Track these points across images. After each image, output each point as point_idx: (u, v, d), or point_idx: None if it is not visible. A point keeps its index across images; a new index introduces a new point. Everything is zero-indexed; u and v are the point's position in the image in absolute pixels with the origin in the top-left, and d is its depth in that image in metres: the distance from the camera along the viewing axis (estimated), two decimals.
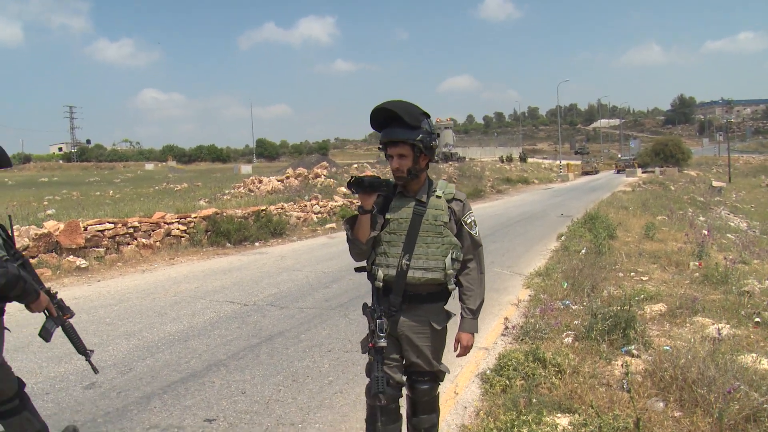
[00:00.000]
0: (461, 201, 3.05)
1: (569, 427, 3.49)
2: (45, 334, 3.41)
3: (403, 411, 3.24)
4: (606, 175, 67.50)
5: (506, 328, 6.27)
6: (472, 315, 3.09)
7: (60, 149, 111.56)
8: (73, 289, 9.32)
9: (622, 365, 4.42)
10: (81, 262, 11.01)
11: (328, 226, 17.72)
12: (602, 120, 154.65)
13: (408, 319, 2.99)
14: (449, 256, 2.95)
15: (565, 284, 7.97)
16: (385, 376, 2.88)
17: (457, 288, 3.09)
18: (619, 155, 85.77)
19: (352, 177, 2.90)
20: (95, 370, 3.79)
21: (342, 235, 15.26)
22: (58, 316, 3.51)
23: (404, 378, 3.14)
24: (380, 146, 3.02)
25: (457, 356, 3.22)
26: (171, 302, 8.12)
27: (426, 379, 3.10)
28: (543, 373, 4.47)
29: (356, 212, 2.97)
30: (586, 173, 70.47)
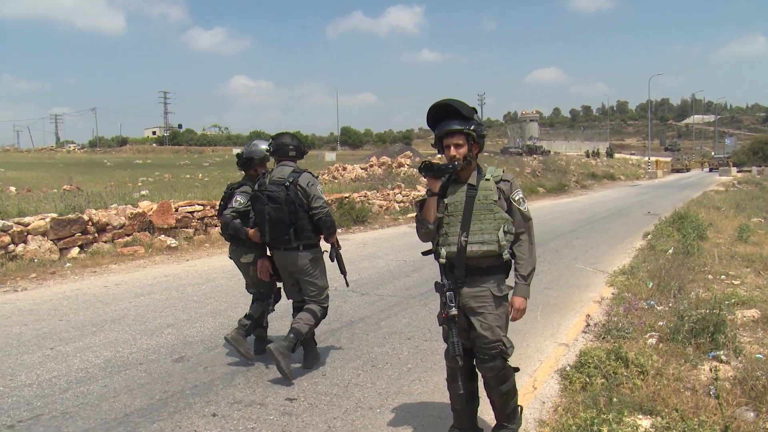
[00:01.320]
0: (509, 181, 3.45)
1: (651, 429, 3.43)
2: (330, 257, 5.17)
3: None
4: (697, 173, 64.69)
5: (587, 325, 6.18)
6: (523, 281, 3.41)
7: (154, 133, 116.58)
8: (163, 267, 9.81)
9: (710, 370, 4.29)
10: (171, 241, 11.54)
11: (410, 215, 17.84)
12: (696, 116, 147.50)
13: (471, 290, 3.37)
14: (501, 229, 3.32)
15: (651, 284, 7.75)
16: (461, 341, 3.32)
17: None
18: (713, 153, 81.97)
19: (423, 162, 3.36)
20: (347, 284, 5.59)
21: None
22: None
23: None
24: (433, 143, 3.48)
25: (511, 319, 3.49)
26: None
27: (488, 358, 3.40)
28: (625, 373, 4.39)
29: (425, 196, 3.42)
30: (677, 171, 67.73)
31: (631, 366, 4.47)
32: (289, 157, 5.01)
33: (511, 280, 3.48)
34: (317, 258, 5.04)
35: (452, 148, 3.33)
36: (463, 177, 3.43)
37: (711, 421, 3.47)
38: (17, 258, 9.45)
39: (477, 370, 3.53)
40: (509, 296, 3.45)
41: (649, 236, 12.91)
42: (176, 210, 12.35)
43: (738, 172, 56.57)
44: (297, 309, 5.17)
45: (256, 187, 4.97)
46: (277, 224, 4.80)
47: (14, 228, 9.59)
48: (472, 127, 3.31)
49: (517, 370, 3.62)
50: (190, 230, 12.42)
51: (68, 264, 9.66)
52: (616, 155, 73.86)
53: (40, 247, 9.77)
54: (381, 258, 10.58)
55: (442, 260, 3.40)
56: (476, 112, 3.40)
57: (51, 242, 9.99)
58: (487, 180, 3.41)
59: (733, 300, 7.13)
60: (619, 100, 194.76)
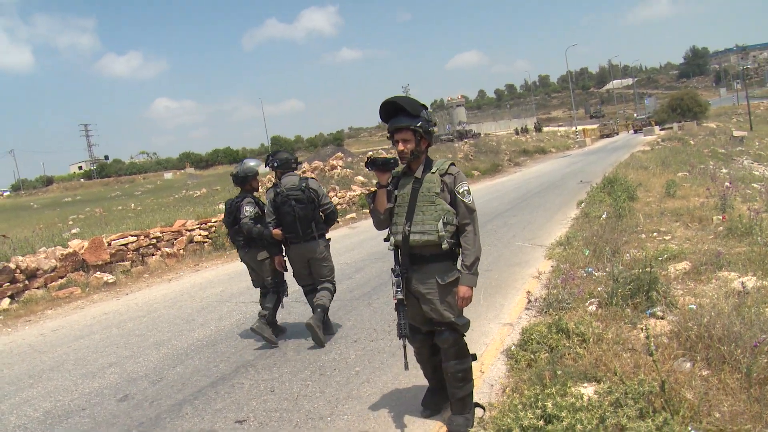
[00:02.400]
0: (452, 174, 3.65)
1: (594, 396, 3.47)
2: None
3: None
4: (624, 136, 66.61)
5: (529, 301, 6.26)
6: (467, 270, 3.59)
7: (80, 168, 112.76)
8: (102, 305, 9.49)
9: (641, 329, 4.39)
10: (108, 277, 11.18)
11: (348, 216, 17.77)
12: (615, 81, 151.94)
13: (417, 276, 3.65)
14: (441, 220, 3.52)
15: (587, 251, 7.91)
16: (407, 323, 3.62)
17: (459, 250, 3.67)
18: (635, 115, 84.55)
19: (368, 158, 3.67)
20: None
21: (361, 225, 15.35)
22: None
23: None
24: (388, 135, 3.68)
25: (458, 307, 3.66)
26: (197, 308, 8.23)
27: (443, 329, 3.66)
28: (567, 344, 4.45)
29: (375, 188, 3.73)
30: (606, 136, 69.50)
31: (572, 336, 4.54)
32: (291, 168, 6.23)
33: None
34: (328, 244, 6.19)
35: (400, 143, 3.58)
36: (413, 169, 3.69)
37: (650, 378, 3.55)
38: None
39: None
40: (456, 284, 3.63)
41: (582, 204, 13.21)
42: (109, 244, 11.96)
43: (661, 130, 58.35)
44: (309, 292, 6.29)
45: (273, 195, 6.03)
46: (304, 220, 5.95)
47: None
48: (419, 124, 3.55)
49: (474, 357, 3.82)
50: (127, 263, 12.06)
51: None
52: (545, 129, 75.31)
53: None
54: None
55: (391, 248, 3.73)
56: (425, 108, 3.63)
57: None
58: (433, 173, 3.63)
59: (665, 255, 7.35)
60: (540, 75, 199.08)
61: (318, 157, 42.08)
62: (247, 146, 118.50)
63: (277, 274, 6.34)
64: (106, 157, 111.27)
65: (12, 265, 10.15)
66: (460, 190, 3.60)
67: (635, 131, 69.33)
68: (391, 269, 3.69)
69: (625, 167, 20.47)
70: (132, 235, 12.49)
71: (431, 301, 3.62)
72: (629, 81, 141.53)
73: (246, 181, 6.51)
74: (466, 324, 3.70)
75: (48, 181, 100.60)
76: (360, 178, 22.40)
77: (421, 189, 3.60)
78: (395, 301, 3.61)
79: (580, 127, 66.89)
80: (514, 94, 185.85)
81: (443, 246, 3.53)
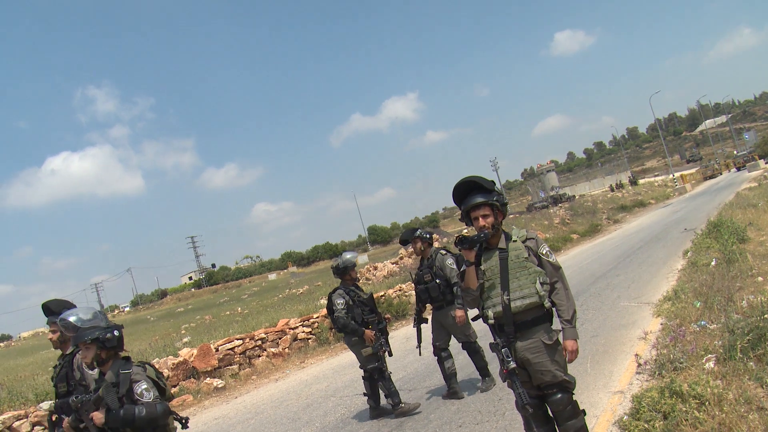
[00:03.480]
0: (534, 239, 3.82)
1: None
2: None
3: None
4: (727, 176, 63.49)
5: (639, 365, 5.88)
6: (568, 324, 3.71)
7: (190, 278, 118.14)
8: (213, 410, 9.68)
9: (761, 386, 4.00)
10: (218, 382, 11.45)
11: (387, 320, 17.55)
12: (707, 121, 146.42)
13: (523, 343, 3.67)
14: (537, 281, 3.66)
15: (698, 304, 7.42)
16: (525, 391, 3.62)
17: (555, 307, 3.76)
18: (735, 152, 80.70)
19: (456, 237, 3.72)
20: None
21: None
22: None
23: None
24: (460, 217, 3.88)
25: (568, 362, 3.75)
26: (303, 406, 8.25)
27: (555, 391, 3.68)
28: (683, 408, 4.12)
29: (464, 267, 3.78)
30: (709, 177, 66.59)
31: (688, 399, 4.20)
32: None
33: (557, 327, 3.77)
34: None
35: (480, 219, 3.70)
36: (494, 243, 3.80)
37: None
38: None
39: (548, 407, 3.76)
40: (560, 340, 3.74)
41: (688, 254, 12.52)
42: (217, 350, 12.31)
43: (767, 163, 55.41)
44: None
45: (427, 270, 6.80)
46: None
47: None
48: (495, 198, 3.71)
49: (584, 413, 3.78)
50: (235, 366, 12.34)
51: None
52: (641, 181, 73.03)
53: None
54: (425, 348, 10.32)
55: (491, 321, 3.74)
56: (495, 185, 3.79)
57: None
58: (515, 241, 3.77)
59: None
60: (628, 128, 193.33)
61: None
62: (345, 239, 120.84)
63: (378, 358, 6.58)
64: (213, 265, 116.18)
65: None
66: (544, 251, 3.75)
67: (738, 169, 66.09)
68: (491, 344, 3.72)
69: (731, 208, 19.39)
70: (238, 339, 12.82)
71: (541, 364, 3.65)
72: (723, 118, 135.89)
73: (345, 272, 6.80)
74: (574, 381, 3.75)
75: (162, 294, 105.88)
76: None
77: (509, 257, 3.71)
78: (505, 372, 3.61)
79: (677, 174, 64.23)
80: (604, 150, 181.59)
81: (545, 305, 3.66)
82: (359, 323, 6.50)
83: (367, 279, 24.10)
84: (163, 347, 14.15)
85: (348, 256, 6.89)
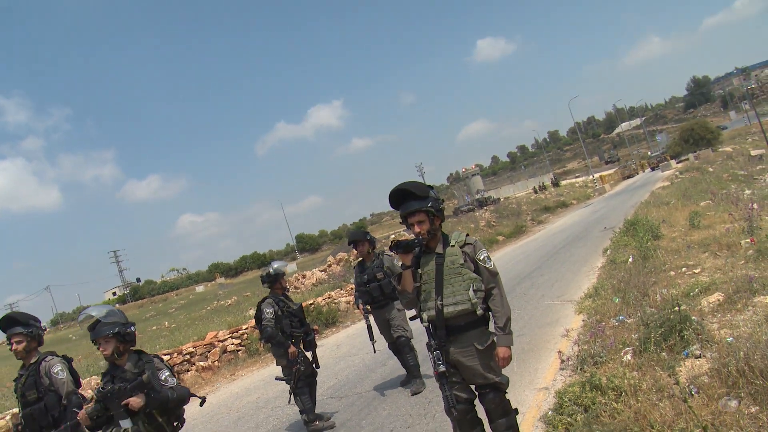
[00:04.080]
0: (471, 244, 3.84)
1: None
2: None
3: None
4: (643, 176, 66.30)
5: (562, 362, 6.07)
6: (502, 331, 3.75)
7: (114, 294, 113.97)
8: None
9: (668, 375, 4.21)
10: None
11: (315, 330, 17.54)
12: (623, 124, 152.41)
13: (456, 347, 3.74)
14: (471, 288, 3.68)
15: (616, 299, 7.73)
16: (453, 395, 3.69)
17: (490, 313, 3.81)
18: (649, 153, 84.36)
19: (392, 241, 3.79)
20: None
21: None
22: None
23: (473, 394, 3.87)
24: (401, 221, 3.91)
25: (501, 367, 3.81)
26: (234, 419, 8.11)
27: (488, 391, 3.78)
28: (603, 401, 4.28)
29: (401, 270, 3.82)
30: (628, 177, 69.38)
31: (607, 391, 4.37)
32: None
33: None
34: None
35: (416, 225, 3.76)
36: (432, 246, 3.85)
37: (692, 424, 3.38)
38: None
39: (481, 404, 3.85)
40: (494, 346, 3.79)
41: (607, 252, 13.01)
42: None
43: (678, 163, 58.08)
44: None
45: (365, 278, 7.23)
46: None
47: None
48: (429, 204, 3.75)
49: (516, 411, 3.88)
50: None
51: None
52: (563, 182, 75.30)
53: None
54: (355, 354, 10.35)
55: (425, 324, 3.78)
56: (431, 188, 3.85)
57: None
58: (452, 246, 3.81)
59: (696, 289, 7.15)
60: (549, 131, 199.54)
61: (342, 249, 42.15)
62: (273, 248, 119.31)
63: (291, 373, 6.47)
64: (138, 280, 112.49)
65: None
66: (481, 257, 3.78)
67: (652, 169, 69.07)
68: (427, 344, 3.79)
69: (646, 206, 20.27)
70: (165, 354, 12.47)
71: (473, 368, 3.73)
72: (638, 121, 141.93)
73: (275, 282, 6.74)
74: (507, 381, 3.84)
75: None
76: (386, 264, 22.33)
77: (445, 263, 3.77)
78: (436, 374, 3.67)
79: (597, 175, 66.65)
80: (527, 154, 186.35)
81: (477, 312, 3.70)
82: (287, 335, 6.42)
83: (296, 288, 23.86)
84: (87, 367, 13.61)
85: (276, 265, 6.85)
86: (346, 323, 15.56)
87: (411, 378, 7.00)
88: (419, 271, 3.84)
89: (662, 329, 5.31)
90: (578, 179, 79.55)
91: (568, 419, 4.29)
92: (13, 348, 4.87)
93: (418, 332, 7.05)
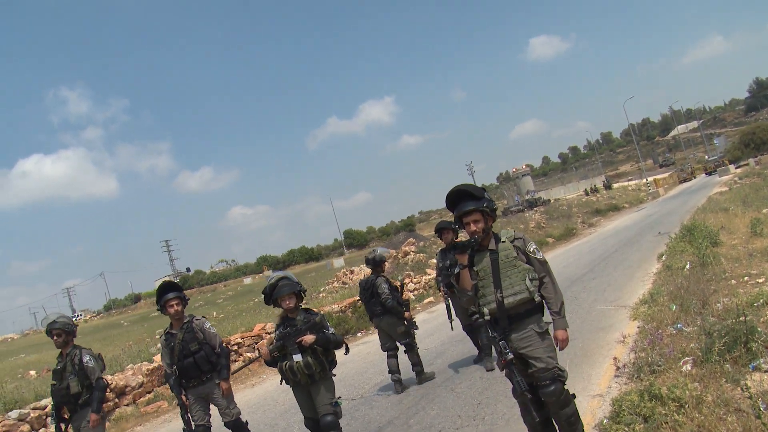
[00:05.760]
0: (521, 238, 4.10)
1: None
2: None
3: None
4: (699, 180, 64.47)
5: (617, 368, 5.89)
6: (557, 315, 4.00)
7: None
8: None
9: (740, 389, 4.02)
10: None
11: (426, 301, 17.49)
12: (680, 126, 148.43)
13: (517, 334, 3.95)
14: (527, 277, 3.94)
15: (674, 307, 7.48)
16: (522, 378, 3.87)
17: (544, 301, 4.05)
18: (706, 157, 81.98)
19: (450, 243, 4.46)
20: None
21: (439, 308, 15.06)
22: None
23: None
24: (453, 222, 4.19)
25: (560, 350, 4.04)
26: (281, 411, 8.16)
27: (548, 383, 3.90)
28: (663, 411, 4.12)
29: (458, 269, 4.06)
30: (684, 181, 67.56)
31: (667, 402, 4.21)
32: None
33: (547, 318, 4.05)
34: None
35: (471, 224, 3.96)
36: (485, 245, 4.07)
37: None
38: None
39: (541, 398, 3.98)
40: (550, 331, 4.03)
41: (663, 257, 12.65)
42: None
43: (736, 168, 56.38)
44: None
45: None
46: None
47: (31, 414, 9.42)
48: (485, 205, 3.96)
49: (574, 396, 4.04)
50: None
51: None
52: (615, 185, 73.75)
53: None
54: (402, 353, 10.28)
55: (487, 317, 4.00)
56: (485, 191, 4.05)
57: None
58: (504, 242, 4.05)
59: (761, 300, 6.85)
60: (602, 133, 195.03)
61: (390, 245, 42.20)
62: (321, 243, 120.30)
63: (410, 335, 7.78)
64: (188, 269, 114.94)
65: None
66: (531, 249, 4.04)
67: (708, 173, 67.13)
68: (489, 338, 4.08)
69: (703, 212, 19.65)
70: None
71: (534, 351, 3.91)
72: (695, 124, 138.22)
73: (379, 264, 7.94)
74: (566, 372, 4.01)
75: (136, 299, 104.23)
76: (433, 260, 22.19)
77: (499, 257, 3.99)
78: (504, 362, 3.86)
79: (650, 178, 65.03)
80: (579, 155, 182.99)
81: (536, 299, 3.94)
82: (400, 304, 7.66)
83: (344, 283, 24.00)
84: (138, 353, 13.93)
85: (380, 251, 8.13)
86: None
87: (483, 356, 7.65)
88: (474, 268, 4.03)
89: (725, 339, 5.09)
90: (631, 182, 77.78)
91: (626, 429, 4.15)
92: (55, 340, 6.07)
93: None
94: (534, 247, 4.08)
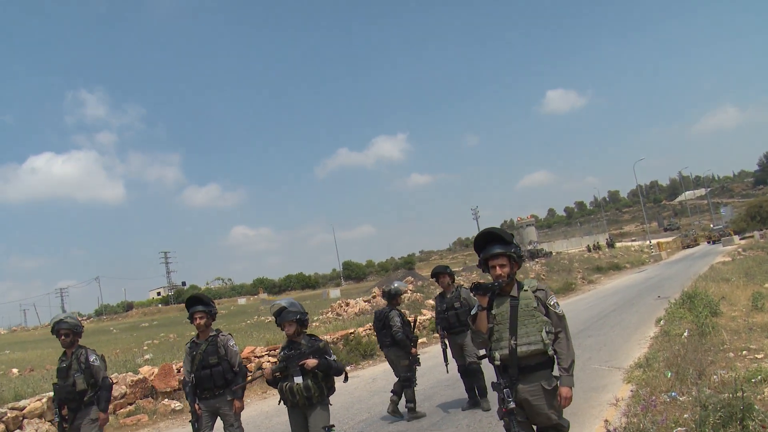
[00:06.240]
0: (543, 290, 4.11)
1: None
2: None
3: None
4: (702, 248, 64.37)
5: (608, 431, 5.79)
6: (566, 372, 4.01)
7: (159, 294, 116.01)
8: None
9: None
10: (176, 404, 11.11)
11: (419, 341, 17.32)
12: (687, 192, 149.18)
13: (525, 386, 3.97)
14: (543, 330, 3.94)
15: (669, 374, 7.38)
16: (521, 430, 3.90)
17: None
18: (711, 225, 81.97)
19: (473, 283, 4.18)
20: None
21: (431, 350, 14.92)
22: None
23: None
24: (478, 264, 4.17)
25: (562, 407, 4.05)
26: None
27: None
28: None
29: (477, 310, 4.12)
30: (687, 246, 67.56)
31: None
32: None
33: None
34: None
35: (498, 267, 4.00)
36: (506, 291, 4.07)
37: None
38: None
39: None
40: (558, 387, 4.02)
41: (661, 322, 12.55)
42: (178, 371, 11.99)
43: (741, 239, 56.32)
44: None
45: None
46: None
47: (8, 414, 9.26)
48: (513, 250, 4.01)
49: None
50: None
51: None
52: (618, 244, 73.64)
53: (36, 430, 9.38)
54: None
55: (497, 362, 4.00)
56: (513, 237, 4.10)
57: (49, 423, 9.59)
58: (526, 291, 4.06)
59: (759, 376, 6.77)
60: (609, 191, 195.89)
61: (388, 282, 42.06)
62: (320, 271, 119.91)
63: (411, 370, 8.01)
64: (183, 283, 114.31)
65: None
66: (551, 303, 4.05)
67: (712, 242, 67.07)
68: (493, 383, 4.04)
69: (705, 280, 19.55)
70: None
71: (539, 407, 3.95)
72: (702, 191, 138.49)
73: (395, 298, 8.23)
74: (568, 425, 4.07)
75: (128, 307, 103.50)
76: (430, 301, 22.05)
77: (519, 305, 4.00)
78: (505, 410, 3.88)
79: (654, 241, 64.99)
80: (585, 211, 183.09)
81: (549, 352, 3.95)
82: (409, 339, 7.96)
83: (338, 315, 23.80)
84: (123, 362, 13.77)
85: (396, 284, 8.37)
86: (383, 358, 15.34)
87: (474, 403, 7.86)
88: (492, 312, 4.05)
89: (721, 414, 5.01)
90: (634, 243, 77.70)
91: None
92: (62, 339, 6.30)
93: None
94: (555, 300, 4.10)
